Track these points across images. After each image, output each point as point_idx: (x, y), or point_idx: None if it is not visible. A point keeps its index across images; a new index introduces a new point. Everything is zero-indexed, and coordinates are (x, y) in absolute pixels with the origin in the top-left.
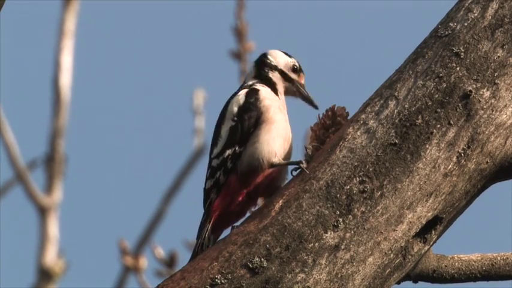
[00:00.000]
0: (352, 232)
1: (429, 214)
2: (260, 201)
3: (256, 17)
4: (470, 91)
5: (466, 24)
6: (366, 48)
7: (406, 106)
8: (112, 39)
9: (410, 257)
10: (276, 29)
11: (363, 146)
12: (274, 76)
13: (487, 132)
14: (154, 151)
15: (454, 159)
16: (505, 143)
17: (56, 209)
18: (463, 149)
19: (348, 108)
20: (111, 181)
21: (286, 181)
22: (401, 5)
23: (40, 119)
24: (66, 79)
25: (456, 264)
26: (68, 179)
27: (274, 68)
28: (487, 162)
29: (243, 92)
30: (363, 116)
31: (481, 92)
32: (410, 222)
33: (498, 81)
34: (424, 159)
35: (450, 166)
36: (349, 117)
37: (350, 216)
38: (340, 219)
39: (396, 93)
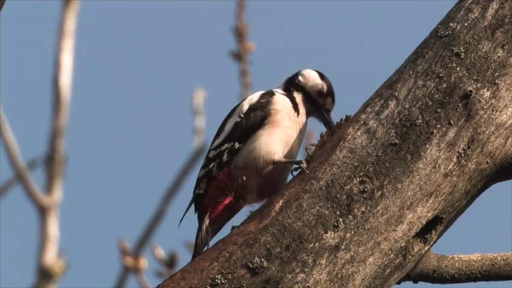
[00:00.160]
0: (353, 232)
1: (429, 214)
2: (250, 200)
3: (256, 17)
4: (471, 91)
5: (466, 24)
6: (366, 48)
7: (407, 106)
8: (112, 39)
9: (410, 257)
10: (276, 29)
11: (363, 146)
12: (298, 97)
13: (487, 132)
14: (154, 151)
15: (454, 159)
16: (505, 143)
17: (56, 209)
18: (463, 149)
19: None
20: (111, 181)
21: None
22: (401, 5)
23: (40, 119)
24: (66, 79)
25: (456, 264)
26: (68, 179)
27: (301, 89)
28: (487, 162)
29: (259, 92)
30: (363, 116)
31: (481, 92)
32: (411, 222)
33: (498, 82)
34: (424, 159)
35: (450, 166)
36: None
37: (350, 216)
38: (341, 220)
39: (396, 93)
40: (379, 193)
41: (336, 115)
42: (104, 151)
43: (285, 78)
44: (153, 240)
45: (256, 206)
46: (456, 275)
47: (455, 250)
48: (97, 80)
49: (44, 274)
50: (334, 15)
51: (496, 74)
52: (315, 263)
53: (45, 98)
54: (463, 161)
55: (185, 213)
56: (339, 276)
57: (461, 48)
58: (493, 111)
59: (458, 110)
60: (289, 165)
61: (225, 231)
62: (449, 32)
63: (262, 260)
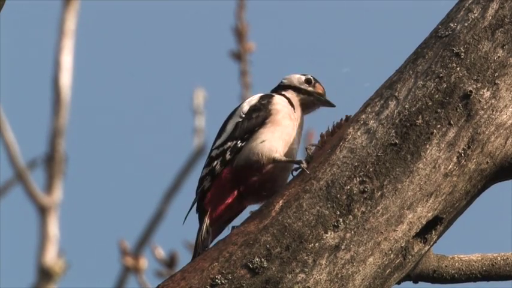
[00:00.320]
0: (353, 232)
1: (429, 214)
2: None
3: (256, 17)
4: (471, 91)
5: (466, 24)
6: (366, 48)
7: (407, 106)
8: (112, 39)
9: (410, 257)
10: (276, 29)
11: (363, 146)
12: (291, 96)
13: (487, 133)
14: (154, 151)
15: (454, 159)
16: (505, 143)
17: (56, 208)
18: (463, 149)
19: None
20: (111, 181)
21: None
22: (401, 5)
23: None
24: (66, 79)
25: (456, 264)
26: (68, 179)
27: (287, 87)
28: (487, 162)
29: (258, 95)
30: (363, 116)
31: (481, 92)
32: (411, 222)
33: (498, 82)
34: (424, 160)
35: (450, 166)
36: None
37: (350, 216)
38: (341, 220)
39: (396, 94)
40: (379, 193)
41: (336, 115)
42: (104, 151)
43: (270, 90)
44: (153, 240)
45: (256, 206)
46: (456, 275)
47: (455, 250)
48: (97, 80)
49: (44, 274)
50: (334, 15)
51: (496, 74)
52: (315, 263)
53: (45, 98)
54: (463, 161)
55: (189, 211)
56: (339, 276)
57: (461, 49)
58: (493, 111)
59: (458, 110)
60: (289, 164)
61: (225, 231)
62: (449, 32)
63: (262, 260)
